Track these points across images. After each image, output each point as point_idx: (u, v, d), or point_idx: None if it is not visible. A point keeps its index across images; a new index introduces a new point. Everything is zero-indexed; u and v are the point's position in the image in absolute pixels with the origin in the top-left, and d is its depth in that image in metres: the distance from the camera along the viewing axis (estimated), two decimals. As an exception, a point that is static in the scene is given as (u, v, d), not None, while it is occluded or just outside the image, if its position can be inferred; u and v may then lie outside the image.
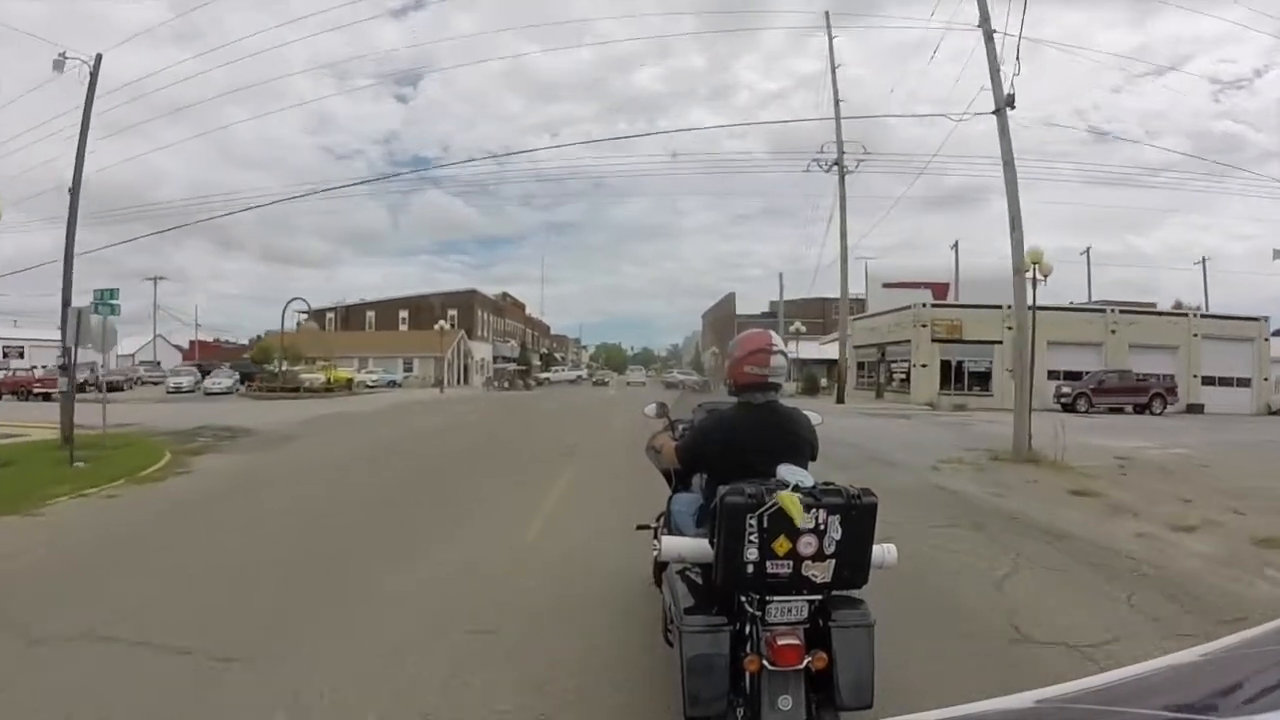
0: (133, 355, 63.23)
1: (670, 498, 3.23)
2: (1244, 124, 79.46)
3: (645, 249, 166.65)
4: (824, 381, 37.08)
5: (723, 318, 64.39)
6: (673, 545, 2.52)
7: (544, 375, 59.72)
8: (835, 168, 27.88)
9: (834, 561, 2.17)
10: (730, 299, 63.50)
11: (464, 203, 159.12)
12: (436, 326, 45.27)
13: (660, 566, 2.94)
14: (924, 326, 30.59)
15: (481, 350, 57.83)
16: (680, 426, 3.63)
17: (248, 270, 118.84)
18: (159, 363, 53.69)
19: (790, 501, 2.12)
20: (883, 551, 2.35)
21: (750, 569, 2.16)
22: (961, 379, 29.94)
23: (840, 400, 28.09)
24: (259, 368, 38.07)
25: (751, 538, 2.15)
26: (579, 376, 62.34)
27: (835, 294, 32.18)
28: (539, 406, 26.96)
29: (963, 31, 14.05)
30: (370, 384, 42.95)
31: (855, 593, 2.28)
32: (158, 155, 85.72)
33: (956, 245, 39.24)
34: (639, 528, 3.91)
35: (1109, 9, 57.01)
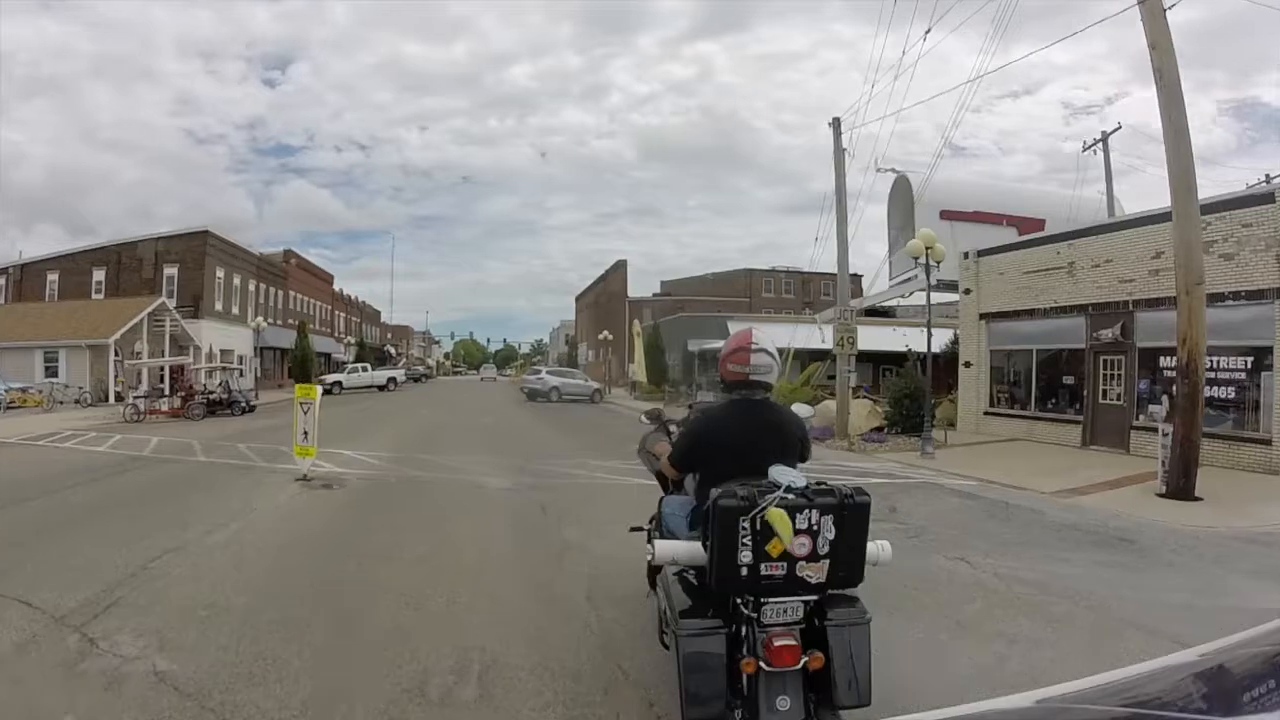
0: None
1: (661, 499, 3.19)
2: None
3: (510, 245, 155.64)
4: (941, 401, 16.18)
5: (610, 295, 46.06)
6: (666, 549, 2.47)
7: (334, 378, 38.18)
8: None
9: (828, 561, 2.13)
10: (620, 269, 45.20)
11: (331, 194, 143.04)
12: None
13: (655, 570, 2.90)
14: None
15: (227, 335, 35.06)
16: (673, 429, 3.51)
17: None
18: None
19: (779, 520, 2.06)
20: (878, 549, 2.33)
21: (745, 571, 2.12)
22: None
23: (1186, 493, 7.85)
24: None
25: (745, 540, 2.09)
26: (391, 380, 41.21)
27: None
28: None
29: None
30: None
31: (851, 590, 2.23)
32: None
33: (1107, 138, 22.23)
34: (632, 529, 3.78)
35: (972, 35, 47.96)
